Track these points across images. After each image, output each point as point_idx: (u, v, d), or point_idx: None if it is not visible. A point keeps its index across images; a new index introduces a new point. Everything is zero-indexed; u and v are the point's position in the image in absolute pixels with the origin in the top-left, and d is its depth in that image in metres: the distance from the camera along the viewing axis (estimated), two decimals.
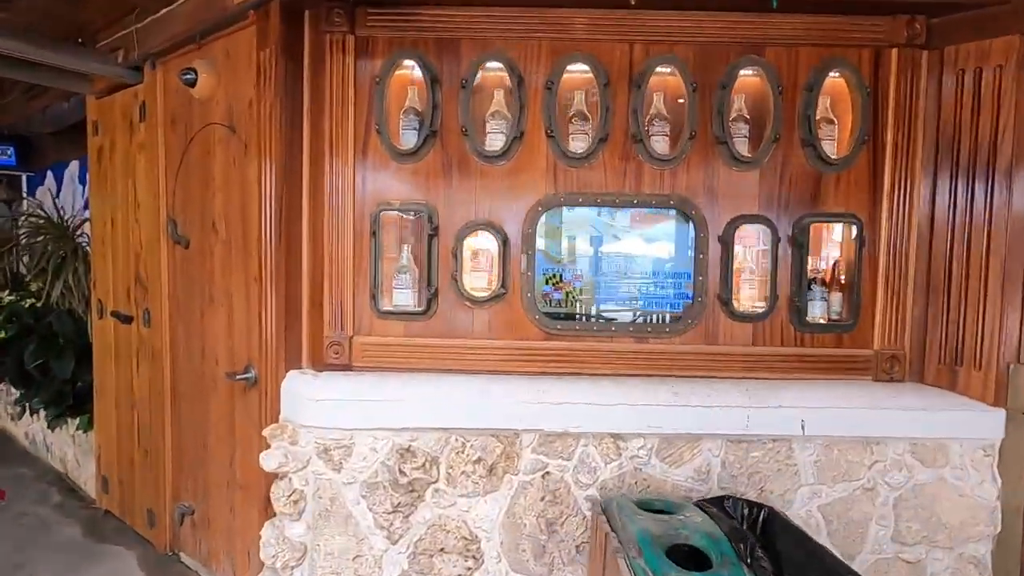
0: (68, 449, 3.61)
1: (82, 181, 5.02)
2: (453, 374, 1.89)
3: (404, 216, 1.94)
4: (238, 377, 2.13)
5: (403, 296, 1.91)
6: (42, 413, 3.67)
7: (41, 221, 3.14)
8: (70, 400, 3.45)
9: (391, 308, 1.91)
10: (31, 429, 4.10)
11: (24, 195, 6.00)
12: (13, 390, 4.06)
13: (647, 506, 1.66)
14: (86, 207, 4.29)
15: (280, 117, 1.94)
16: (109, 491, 3.11)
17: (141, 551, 2.75)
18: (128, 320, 2.82)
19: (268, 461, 1.80)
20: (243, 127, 2.12)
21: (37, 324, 3.64)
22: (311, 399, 1.82)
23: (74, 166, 5.17)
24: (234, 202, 2.19)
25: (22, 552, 2.75)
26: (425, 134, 1.85)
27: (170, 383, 2.60)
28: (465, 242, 1.88)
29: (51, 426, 3.47)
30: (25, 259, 3.43)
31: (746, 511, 1.71)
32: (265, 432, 1.86)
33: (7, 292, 4.10)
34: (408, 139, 1.88)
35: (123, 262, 2.86)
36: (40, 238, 3.15)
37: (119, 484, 3.01)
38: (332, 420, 1.82)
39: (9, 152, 5.54)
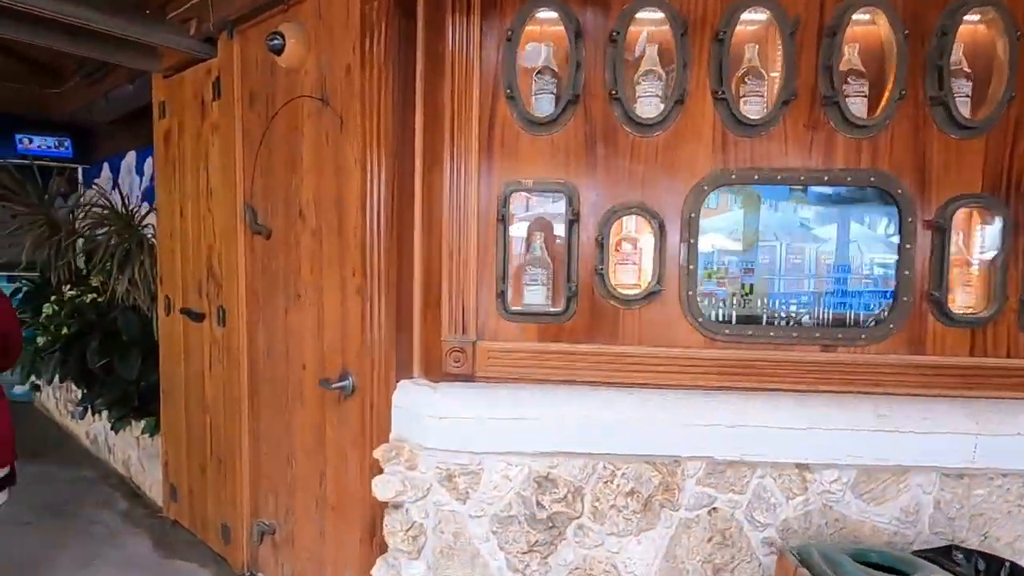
0: (131, 451, 3.44)
1: (139, 172, 4.87)
2: (597, 388, 1.57)
3: (538, 198, 1.63)
4: (334, 386, 1.86)
5: (536, 294, 1.60)
6: (104, 413, 3.51)
7: (105, 212, 2.94)
8: (135, 401, 3.27)
9: (521, 308, 1.60)
10: (93, 428, 3.97)
11: (80, 188, 5.93)
12: (74, 388, 3.93)
13: (861, 558, 1.32)
14: (143, 199, 4.11)
15: (390, 83, 1.65)
16: (178, 500, 2.91)
17: (215, 569, 2.54)
18: (199, 318, 2.59)
19: (383, 489, 1.53)
20: (339, 98, 1.84)
21: (100, 321, 3.48)
22: (432, 416, 1.53)
23: (131, 157, 5.03)
24: (327, 186, 1.92)
25: (92, 566, 2.56)
26: (566, 99, 1.53)
27: (248, 388, 2.36)
28: (612, 229, 1.56)
29: (115, 428, 3.30)
30: (80, 251, 3.24)
31: (981, 566, 1.36)
32: (377, 453, 1.58)
33: (68, 287, 3.97)
34: (543, 106, 1.56)
35: (194, 255, 2.64)
36: (104, 230, 2.95)
37: (188, 494, 2.81)
38: (458, 441, 1.53)
39: (66, 144, 5.45)
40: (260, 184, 2.22)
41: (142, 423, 3.26)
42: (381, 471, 1.58)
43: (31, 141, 5.23)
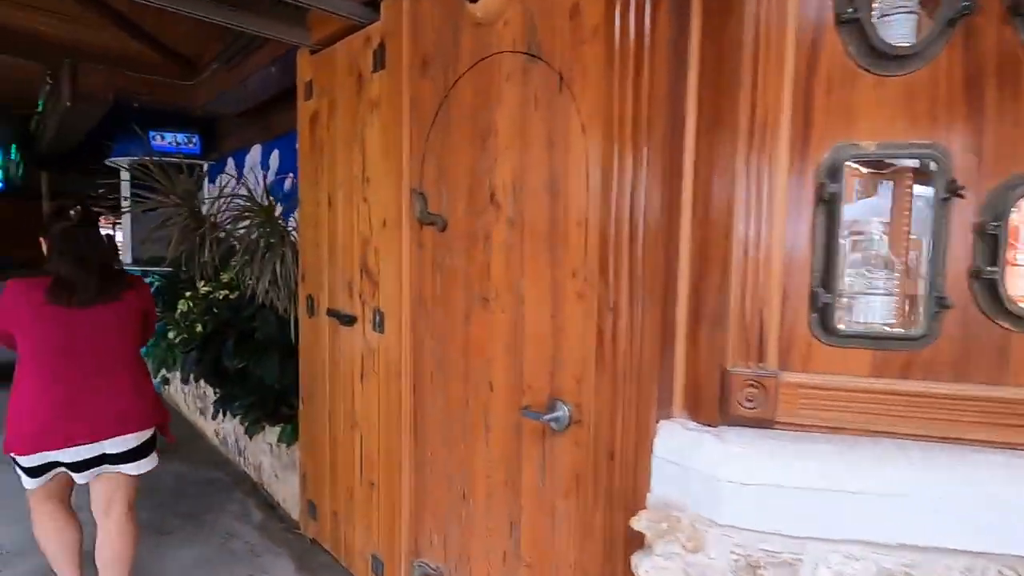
0: (264, 458, 3.26)
1: (264, 166, 4.80)
2: (977, 447, 1.06)
3: (888, 168, 1.14)
4: (545, 418, 1.45)
5: (876, 307, 1.11)
6: (236, 415, 3.36)
7: (246, 204, 2.74)
8: (270, 407, 3.08)
9: (853, 328, 1.11)
10: (222, 428, 3.88)
11: (206, 184, 6.03)
12: (201, 384, 3.84)
13: None
14: (268, 194, 3.95)
15: (651, 16, 1.21)
16: (317, 519, 2.66)
17: None
18: (350, 321, 2.30)
19: None
20: (557, 51, 1.43)
21: (236, 319, 3.33)
22: (729, 478, 1.08)
23: (255, 151, 4.98)
24: (533, 163, 1.52)
25: None
26: (941, 22, 1.03)
27: (411, 406, 2.02)
28: (1010, 213, 1.04)
29: (249, 433, 3.13)
30: (220, 246, 3.08)
31: None
32: (639, 524, 1.15)
33: (203, 283, 3.90)
34: (900, 30, 1.06)
35: (344, 250, 2.35)
36: (245, 223, 2.75)
37: (331, 515, 2.54)
38: (767, 518, 1.07)
39: (194, 141, 5.53)
40: (432, 166, 1.87)
41: (276, 429, 3.06)
42: (628, 540, 1.16)
43: (163, 138, 5.33)
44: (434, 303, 1.90)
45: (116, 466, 2.03)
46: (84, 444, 1.93)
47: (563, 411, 1.45)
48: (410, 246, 1.98)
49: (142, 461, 2.08)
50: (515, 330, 1.60)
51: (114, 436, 1.98)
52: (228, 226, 2.82)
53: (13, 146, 8.06)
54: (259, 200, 2.73)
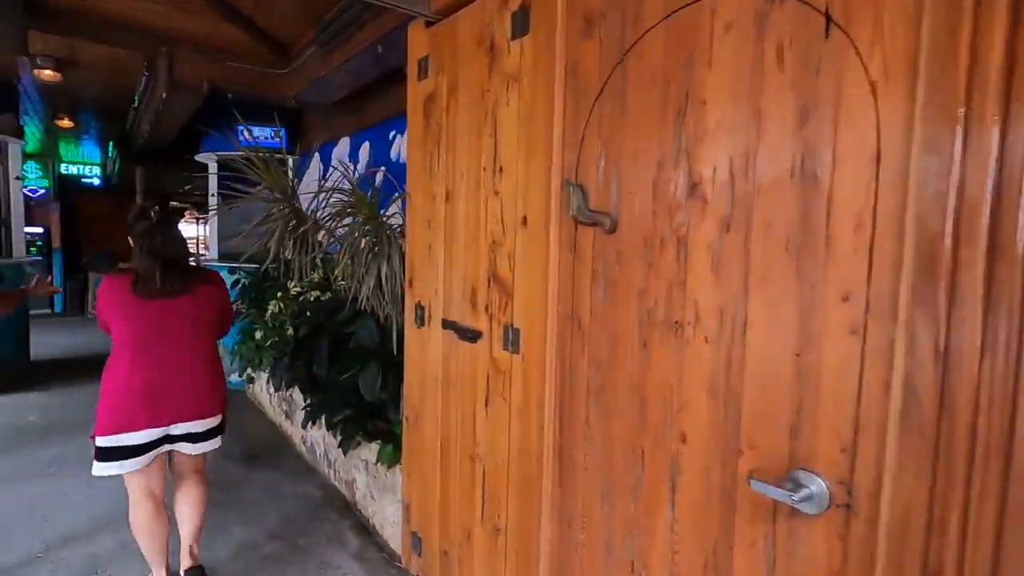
0: (358, 475, 3.01)
1: (353, 159, 4.59)
2: None
3: None
4: (794, 499, 1.04)
5: None
6: (325, 422, 3.13)
7: (348, 200, 2.46)
8: (367, 422, 2.81)
9: None
10: (310, 436, 3.68)
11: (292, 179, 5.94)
12: (284, 387, 3.64)
13: None
14: (355, 189, 3.69)
15: None
16: (423, 555, 2.35)
17: None
18: (472, 336, 1.96)
19: None
20: None
21: (329, 323, 3.09)
22: None
23: (343, 145, 4.79)
24: (771, 142, 1.11)
25: None
26: None
27: (556, 445, 1.66)
28: None
29: (343, 447, 2.87)
30: (321, 245, 2.83)
31: None
32: None
33: (293, 282, 3.71)
34: None
35: (466, 253, 2.01)
36: (347, 221, 2.48)
37: (441, 554, 2.22)
38: None
39: (281, 135, 5.43)
40: (595, 151, 1.49)
41: (373, 447, 2.79)
42: None
43: (251, 132, 5.23)
44: (593, 323, 1.52)
45: (187, 446, 2.21)
46: (161, 427, 2.11)
47: (817, 487, 1.04)
48: (559, 251, 1.61)
49: (210, 442, 2.27)
50: (728, 368, 1.19)
51: (188, 420, 2.16)
52: (327, 224, 2.56)
53: (111, 143, 8.37)
54: (365, 196, 2.45)
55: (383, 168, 3.99)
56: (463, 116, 2.00)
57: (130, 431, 2.05)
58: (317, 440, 3.58)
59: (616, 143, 1.44)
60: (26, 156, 8.11)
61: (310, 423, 3.37)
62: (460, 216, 2.04)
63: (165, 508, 2.23)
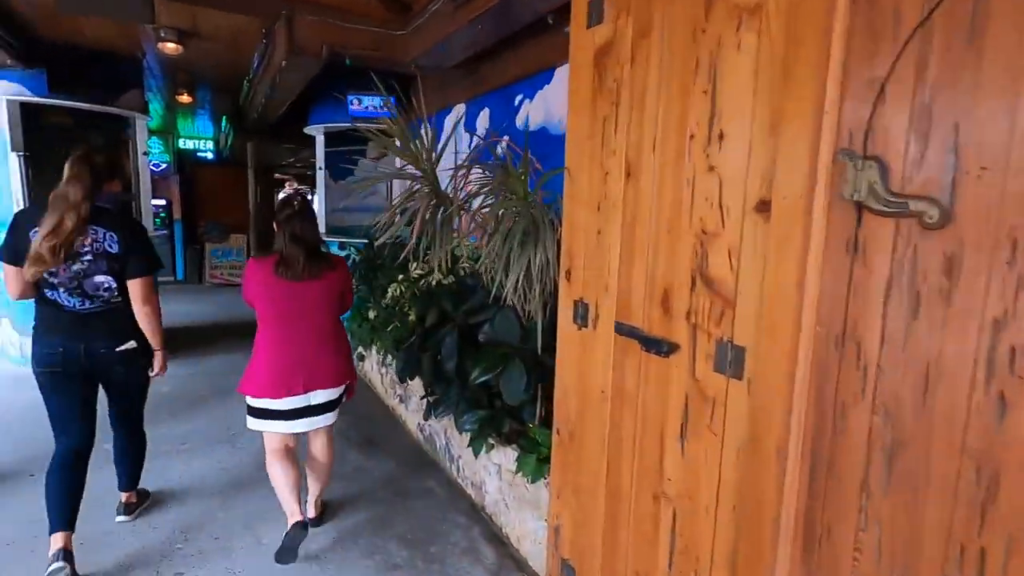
0: (489, 479, 2.76)
1: (471, 127, 4.27)
2: None
3: None
4: None
5: None
6: (447, 416, 2.88)
7: (487, 176, 2.12)
8: (503, 425, 2.52)
9: None
10: (429, 426, 3.48)
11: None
12: (408, 377, 3.43)
13: None
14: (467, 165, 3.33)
15: None
16: None
17: None
18: (663, 350, 1.57)
19: None
20: None
21: (455, 311, 2.82)
22: None
23: (458, 112, 4.47)
24: None
25: None
26: None
27: (800, 512, 1.24)
28: None
29: (473, 448, 2.61)
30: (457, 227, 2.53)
31: None
32: None
33: (415, 264, 3.48)
34: None
35: (656, 244, 1.60)
36: (496, 199, 2.14)
37: None
38: None
39: (391, 104, 5.20)
40: (905, 108, 1.02)
41: (508, 451, 2.51)
42: None
43: (360, 102, 5.05)
44: (888, 354, 1.07)
45: (317, 416, 2.41)
46: (298, 395, 2.32)
47: None
48: (825, 248, 1.17)
49: (336, 412, 2.50)
50: None
51: (320, 389, 2.37)
52: (465, 203, 2.24)
53: (224, 118, 8.63)
54: (517, 172, 2.09)
55: (507, 137, 3.64)
56: (657, 69, 1.57)
57: (274, 397, 2.29)
58: (437, 431, 3.38)
59: (954, 95, 0.96)
60: (149, 132, 8.55)
61: (432, 415, 3.16)
62: (647, 197, 1.63)
63: (297, 462, 2.47)
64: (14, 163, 4.67)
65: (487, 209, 2.17)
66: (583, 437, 1.96)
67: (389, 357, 3.95)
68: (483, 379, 2.31)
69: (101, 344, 2.25)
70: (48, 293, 2.18)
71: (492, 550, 2.51)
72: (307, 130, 6.25)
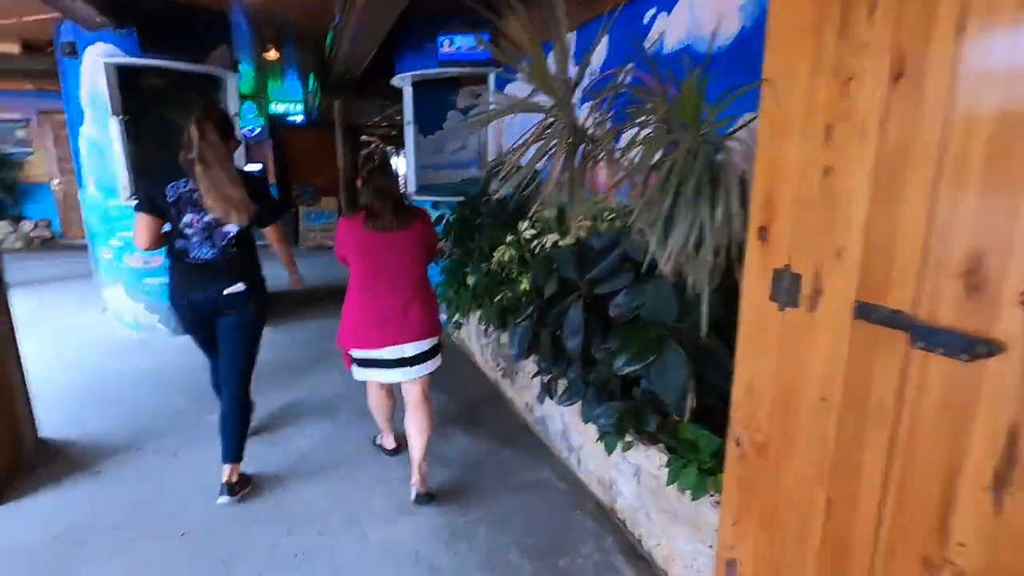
0: (622, 479, 2.31)
1: (578, 60, 3.66)
2: None
3: None
4: None
5: None
6: (571, 402, 2.44)
7: (648, 107, 1.57)
8: (647, 422, 2.04)
9: None
10: (541, 408, 3.08)
11: (491, 98, 5.23)
12: (524, 355, 3.01)
13: None
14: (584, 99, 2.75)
15: None
16: None
17: None
18: (970, 349, 1.00)
19: None
20: None
21: (577, 279, 2.33)
22: None
23: (567, 41, 3.87)
24: None
25: None
26: None
27: None
28: None
29: (606, 445, 2.16)
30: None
31: None
32: None
33: (525, 223, 3.02)
34: None
35: (951, 187, 1.01)
36: (652, 134, 1.60)
37: None
38: None
39: (484, 41, 4.69)
40: None
41: (651, 452, 2.04)
42: None
43: (451, 43, 4.56)
44: None
45: (412, 367, 2.46)
46: (392, 346, 2.40)
47: None
48: None
49: (430, 362, 2.52)
50: None
51: (413, 341, 2.42)
52: (607, 143, 1.72)
53: (311, 76, 8.47)
54: (692, 96, 1.53)
55: (632, 65, 3.02)
56: None
57: (369, 348, 2.40)
58: (551, 414, 2.97)
59: None
60: (242, 98, 8.57)
61: (548, 397, 2.74)
62: (933, 112, 1.03)
63: (392, 392, 2.76)
64: (115, 128, 4.64)
65: (636, 153, 1.63)
66: (783, 455, 1.44)
67: (491, 327, 3.56)
68: (630, 369, 1.82)
69: (220, 288, 2.43)
70: (178, 243, 2.40)
71: (633, 570, 2.08)
72: (394, 81, 5.86)
